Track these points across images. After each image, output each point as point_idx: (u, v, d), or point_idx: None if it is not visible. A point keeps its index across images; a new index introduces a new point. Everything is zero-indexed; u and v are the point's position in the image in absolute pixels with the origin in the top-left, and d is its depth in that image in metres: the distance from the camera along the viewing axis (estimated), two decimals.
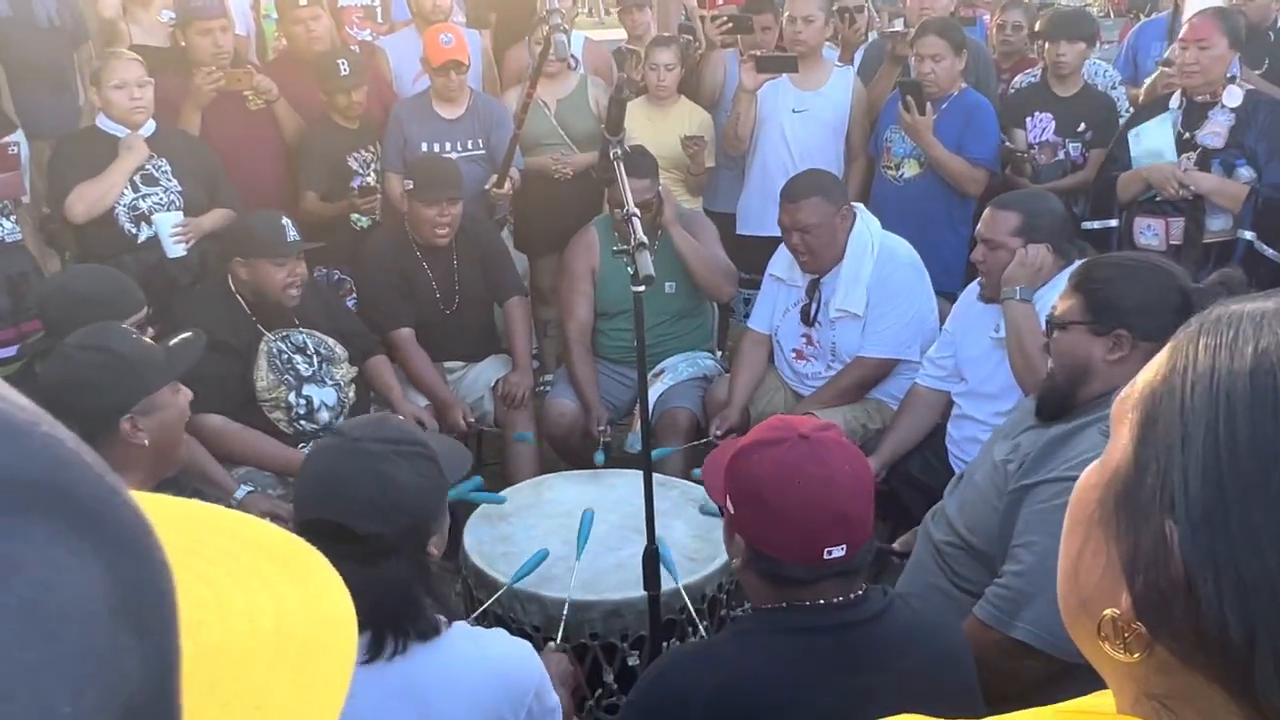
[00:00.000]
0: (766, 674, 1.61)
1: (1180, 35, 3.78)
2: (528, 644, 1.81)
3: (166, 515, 0.51)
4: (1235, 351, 0.56)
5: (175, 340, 2.35)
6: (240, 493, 3.00)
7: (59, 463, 0.37)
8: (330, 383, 3.45)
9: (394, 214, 4.08)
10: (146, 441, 2.14)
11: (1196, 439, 0.55)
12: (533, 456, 3.75)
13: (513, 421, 3.78)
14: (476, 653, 1.69)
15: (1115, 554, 0.59)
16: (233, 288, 3.36)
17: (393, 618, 1.60)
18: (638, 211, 2.04)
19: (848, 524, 1.59)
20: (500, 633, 1.81)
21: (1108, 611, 0.59)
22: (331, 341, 3.50)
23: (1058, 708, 0.66)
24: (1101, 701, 0.65)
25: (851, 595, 1.64)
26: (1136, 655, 0.58)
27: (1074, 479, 1.94)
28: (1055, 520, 2.05)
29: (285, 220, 3.36)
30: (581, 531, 2.54)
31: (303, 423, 3.37)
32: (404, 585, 1.61)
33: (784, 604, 1.65)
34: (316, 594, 0.51)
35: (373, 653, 1.59)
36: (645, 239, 1.93)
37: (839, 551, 1.58)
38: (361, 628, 1.57)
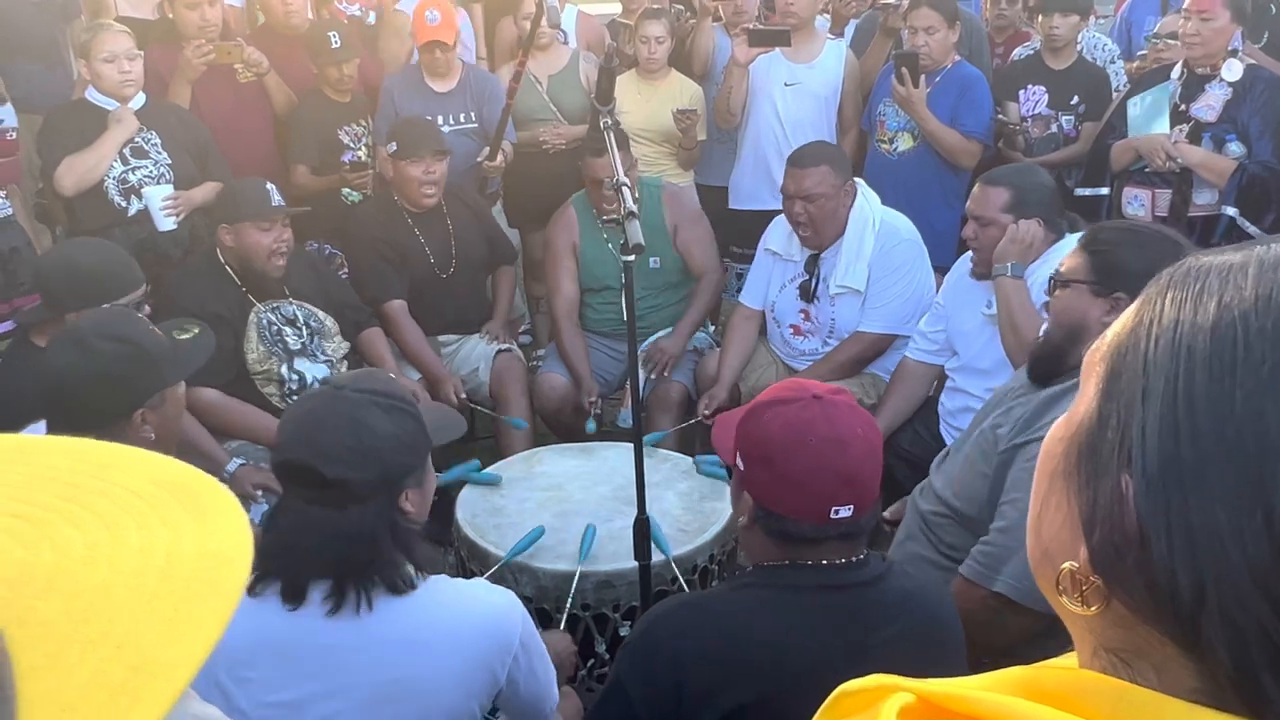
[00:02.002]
0: (761, 626, 1.63)
1: (1184, 5, 3.76)
2: (509, 592, 1.81)
3: (85, 460, 0.53)
4: (1199, 305, 0.56)
5: (184, 336, 2.34)
6: (232, 465, 3.01)
7: None
8: (322, 357, 3.44)
9: (386, 186, 4.08)
10: (153, 435, 2.15)
11: (1156, 393, 0.55)
12: (525, 431, 3.75)
13: (506, 398, 3.78)
14: (458, 602, 1.71)
15: (1075, 507, 0.59)
16: (222, 259, 3.35)
17: (357, 567, 1.62)
18: (628, 181, 2.04)
19: (856, 485, 1.61)
20: (481, 582, 1.82)
21: (1066, 564, 0.59)
22: (322, 314, 3.49)
23: (1027, 666, 0.65)
24: (1072, 660, 0.66)
25: (853, 558, 1.66)
26: (1094, 608, 0.58)
27: None
28: None
29: (269, 186, 3.35)
30: (584, 545, 2.54)
31: (295, 398, 3.37)
32: (369, 535, 1.62)
33: (786, 561, 1.66)
34: (214, 532, 0.52)
35: (334, 603, 1.60)
36: (635, 208, 1.93)
37: (846, 512, 1.60)
38: (323, 574, 1.59)
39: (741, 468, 1.69)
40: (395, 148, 3.75)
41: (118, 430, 2.09)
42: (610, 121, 2.17)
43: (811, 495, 1.60)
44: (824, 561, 1.65)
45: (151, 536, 0.49)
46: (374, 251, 3.82)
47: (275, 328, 3.38)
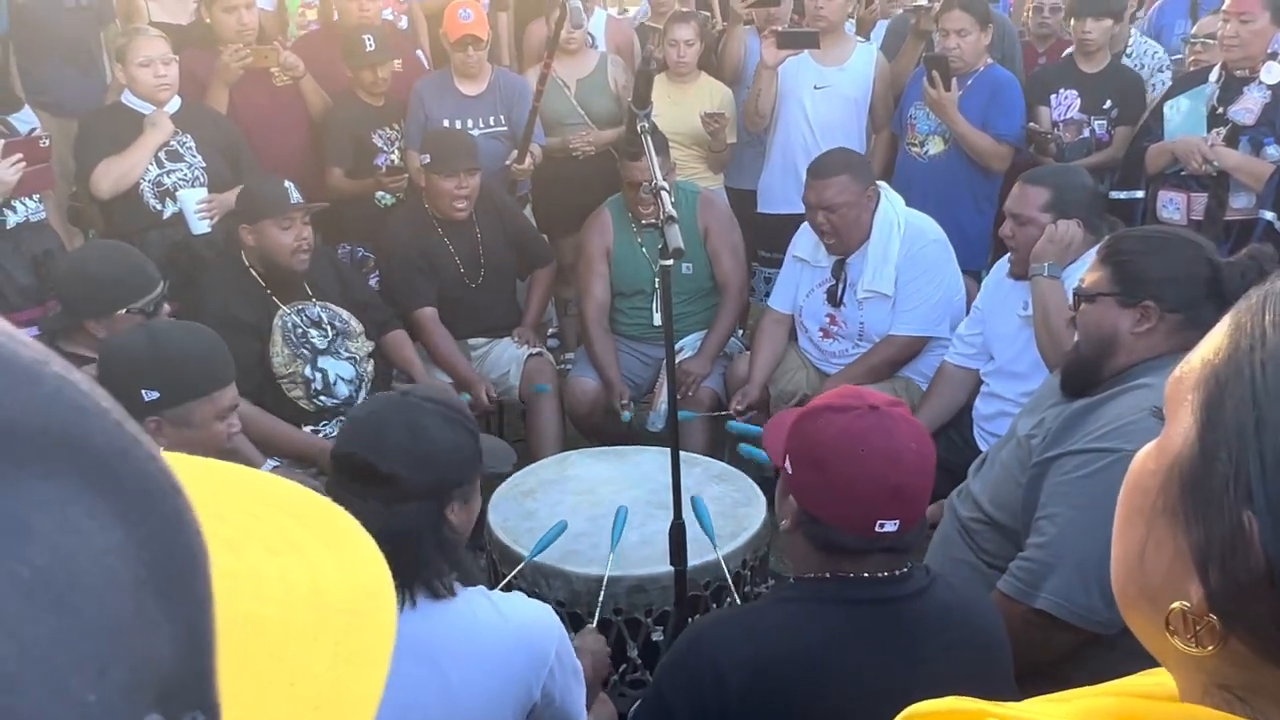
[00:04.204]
0: (805, 642, 1.61)
1: (1223, 7, 3.73)
2: (546, 605, 1.83)
3: (186, 475, 0.49)
4: None
5: None
6: (266, 468, 3.02)
7: (72, 408, 0.32)
8: (346, 355, 3.46)
9: (417, 192, 4.09)
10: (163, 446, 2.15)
11: (1273, 423, 0.52)
12: (556, 432, 3.76)
13: (537, 402, 3.78)
14: (495, 615, 1.71)
15: (1184, 545, 0.56)
16: (246, 262, 3.37)
17: (402, 567, 1.62)
18: (666, 185, 2.03)
19: (904, 500, 1.58)
20: (518, 595, 1.83)
21: (1176, 604, 0.56)
22: (346, 315, 3.50)
23: (1111, 687, 0.63)
24: (1150, 680, 0.63)
25: (896, 572, 1.64)
26: (1209, 648, 0.55)
27: (1097, 450, 1.92)
28: (1078, 492, 2.03)
29: (288, 183, 3.36)
30: (615, 528, 2.54)
31: (322, 398, 3.38)
32: (415, 535, 1.65)
33: (827, 573, 1.65)
34: (352, 562, 0.48)
35: None
36: (674, 212, 1.93)
37: (891, 526, 1.58)
38: None
39: (790, 470, 1.67)
40: (429, 160, 3.76)
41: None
42: (648, 125, 2.17)
43: (858, 505, 1.58)
44: (865, 575, 1.63)
45: (285, 563, 0.45)
46: (405, 258, 3.84)
47: (300, 330, 3.39)
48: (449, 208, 3.77)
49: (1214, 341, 0.58)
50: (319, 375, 3.38)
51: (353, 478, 1.69)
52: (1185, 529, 0.56)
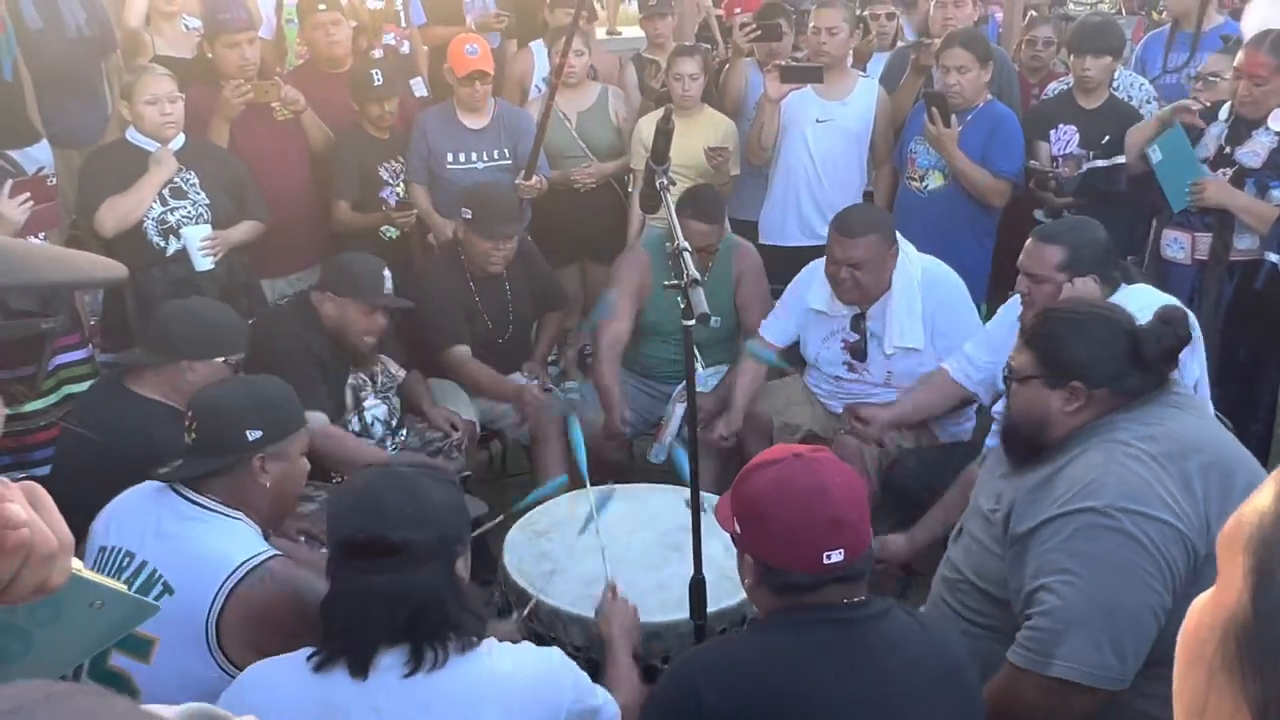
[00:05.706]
0: (779, 661, 1.74)
1: (1235, 63, 3.76)
2: (558, 651, 1.91)
3: None
4: None
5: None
6: (308, 509, 3.00)
7: None
8: (380, 394, 3.51)
9: (423, 227, 4.10)
10: (268, 484, 2.23)
11: None
12: (561, 465, 3.75)
13: (545, 435, 3.77)
14: (510, 667, 1.77)
15: (1243, 700, 0.60)
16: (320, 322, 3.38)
17: (432, 628, 1.70)
18: (688, 246, 2.04)
19: (842, 528, 1.72)
20: (529, 645, 1.89)
21: None
22: (391, 364, 3.55)
23: None
24: None
25: (853, 600, 1.77)
26: None
27: (1070, 512, 1.99)
28: (1066, 556, 2.12)
29: (387, 271, 3.37)
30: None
31: (360, 439, 3.41)
32: (439, 594, 1.72)
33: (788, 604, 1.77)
34: None
35: (413, 666, 1.68)
36: (698, 275, 1.94)
37: (838, 555, 1.71)
38: (401, 639, 1.64)
39: (739, 530, 1.81)
40: (469, 216, 3.71)
41: (241, 467, 2.20)
42: (665, 182, 2.19)
43: (802, 542, 1.71)
44: (823, 604, 1.76)
45: None
46: (442, 301, 3.79)
47: (365, 391, 3.45)
48: (484, 263, 3.74)
49: (1263, 503, 0.62)
50: (358, 418, 3.41)
51: (363, 555, 1.72)
52: (1243, 683, 0.60)
